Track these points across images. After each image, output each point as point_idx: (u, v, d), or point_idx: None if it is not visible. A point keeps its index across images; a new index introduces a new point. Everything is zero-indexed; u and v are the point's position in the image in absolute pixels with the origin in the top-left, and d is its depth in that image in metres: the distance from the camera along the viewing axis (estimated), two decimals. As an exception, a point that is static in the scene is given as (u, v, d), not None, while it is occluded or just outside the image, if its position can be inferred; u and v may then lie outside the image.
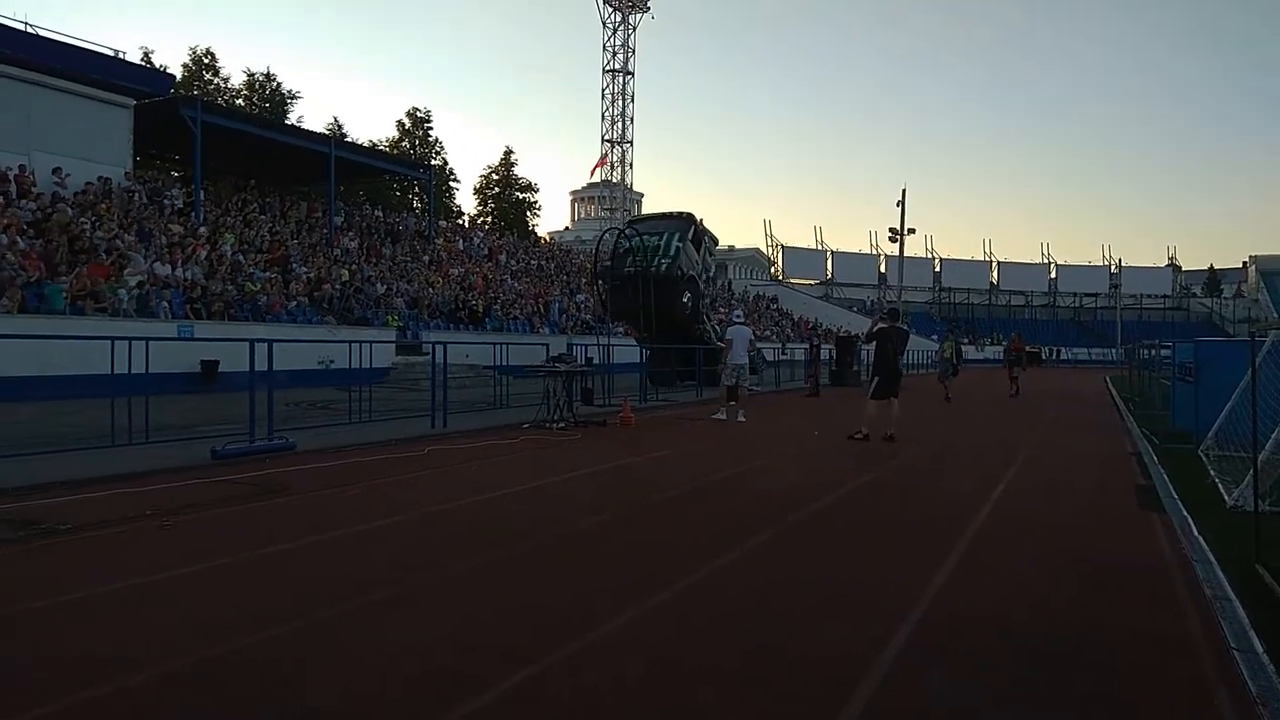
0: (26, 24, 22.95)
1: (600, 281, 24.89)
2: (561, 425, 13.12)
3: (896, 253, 45.96)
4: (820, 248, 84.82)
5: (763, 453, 11.49)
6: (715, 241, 27.63)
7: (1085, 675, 3.68)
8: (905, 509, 7.63)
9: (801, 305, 66.86)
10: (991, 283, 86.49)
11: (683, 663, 3.72)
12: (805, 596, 4.76)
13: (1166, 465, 9.93)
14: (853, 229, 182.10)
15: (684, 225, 23.93)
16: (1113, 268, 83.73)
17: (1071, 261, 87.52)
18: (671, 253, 22.36)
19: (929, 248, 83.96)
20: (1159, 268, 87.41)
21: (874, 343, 13.32)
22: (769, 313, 58.32)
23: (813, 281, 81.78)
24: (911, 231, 44.77)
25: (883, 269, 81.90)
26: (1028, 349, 34.72)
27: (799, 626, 4.25)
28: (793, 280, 79.63)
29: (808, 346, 27.24)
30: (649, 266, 21.89)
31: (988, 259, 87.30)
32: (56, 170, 20.99)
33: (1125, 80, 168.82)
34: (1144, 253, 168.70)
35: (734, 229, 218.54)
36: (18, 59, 20.98)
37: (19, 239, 17.14)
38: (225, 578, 4.98)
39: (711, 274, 26.56)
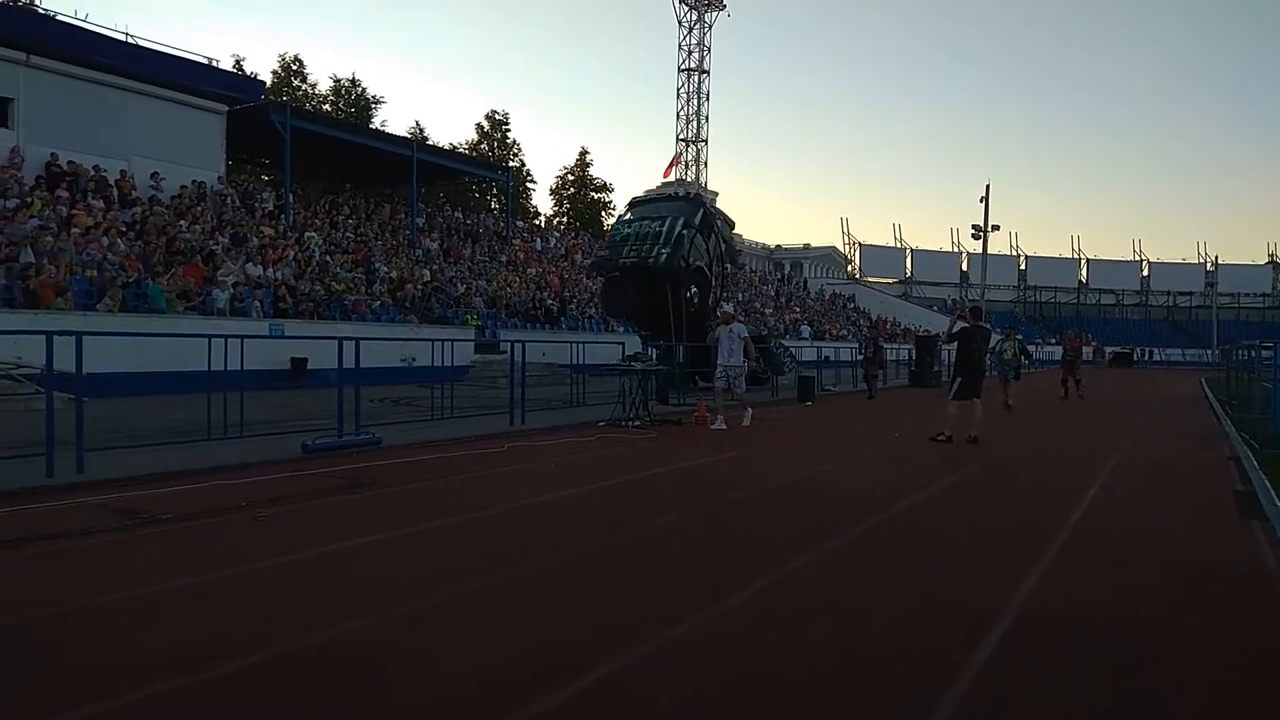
0: (127, 34, 24.08)
1: (597, 275, 23.05)
2: (637, 424, 13.22)
3: (979, 250, 44.88)
4: (899, 245, 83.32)
5: (840, 454, 11.40)
6: (731, 225, 24.69)
7: (1176, 686, 3.58)
8: (991, 511, 7.48)
9: (880, 304, 65.81)
10: (1080, 281, 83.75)
11: (763, 665, 3.72)
12: (887, 598, 4.72)
13: (1267, 470, 9.51)
14: (933, 226, 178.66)
15: (689, 209, 20.85)
16: (1208, 265, 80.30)
17: (1165, 259, 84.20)
18: (673, 240, 19.21)
19: (1014, 245, 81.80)
20: (1258, 265, 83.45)
21: (955, 342, 13.07)
22: (845, 311, 57.57)
23: (891, 280, 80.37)
24: (995, 228, 43.61)
25: (964, 267, 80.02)
26: (1121, 350, 33.13)
27: (881, 629, 4.21)
28: (870, 279, 78.41)
29: (865, 345, 25.21)
30: (646, 257, 19.11)
31: (1076, 256, 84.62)
32: (154, 175, 21.95)
33: (1223, 68, 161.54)
34: (1242, 249, 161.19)
35: (810, 227, 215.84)
36: (119, 68, 22.01)
37: (119, 241, 18.01)
38: (316, 569, 5.17)
39: (726, 263, 22.99)
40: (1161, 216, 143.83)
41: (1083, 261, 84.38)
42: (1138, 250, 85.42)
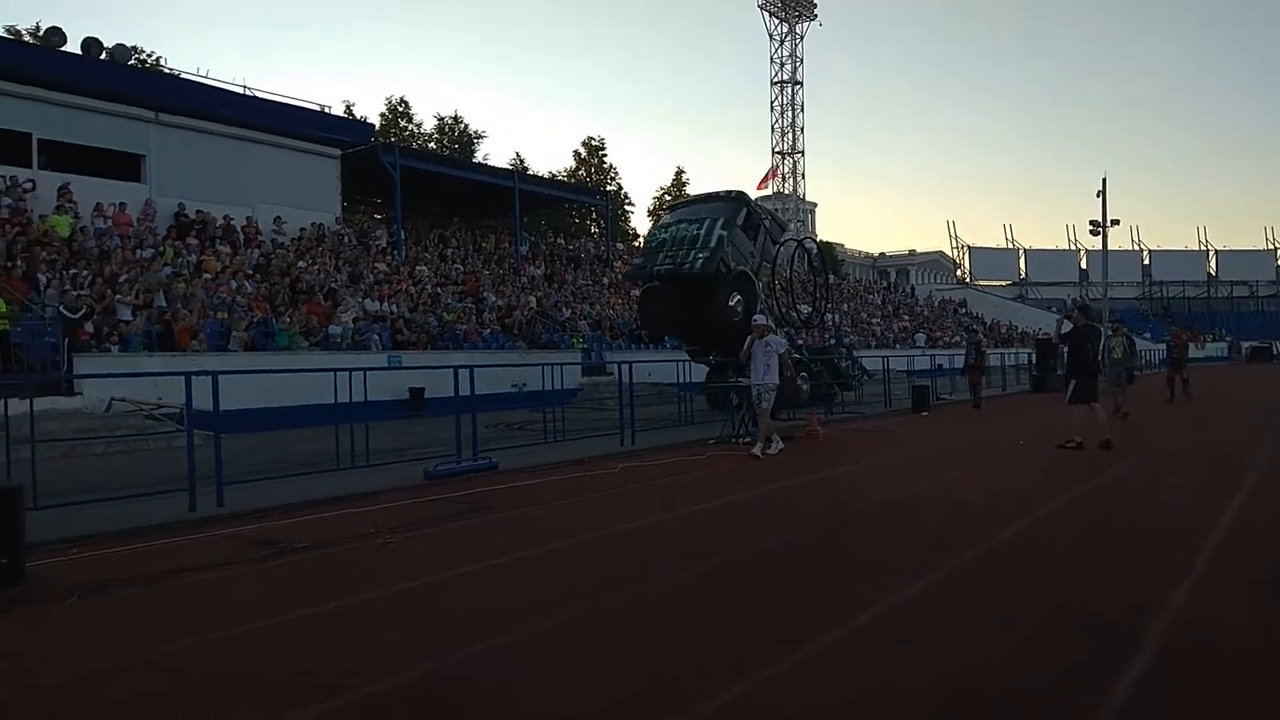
0: (245, 87, 25.45)
1: (633, 285, 21.69)
2: (747, 440, 13.08)
3: (1098, 246, 42.92)
4: (1011, 246, 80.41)
5: (963, 464, 11.02)
6: (782, 227, 22.09)
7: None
8: (1130, 521, 7.09)
9: (993, 308, 63.60)
10: (1209, 273, 78.99)
11: (893, 688, 3.61)
12: (1020, 619, 4.50)
13: None
14: (1047, 224, 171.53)
15: (731, 208, 18.69)
16: (1353, 248, 74.64)
17: (1303, 245, 78.67)
18: (712, 244, 17.31)
19: (1135, 239, 77.88)
20: None
21: (1067, 344, 12.51)
22: (956, 317, 55.87)
23: (1004, 282, 77.58)
24: (1115, 223, 41.59)
25: (1083, 265, 76.61)
26: (1259, 345, 30.74)
27: (1014, 653, 4.03)
28: (981, 282, 75.91)
29: (966, 351, 22.77)
30: (682, 264, 17.33)
31: (1203, 247, 79.91)
32: (276, 219, 23.10)
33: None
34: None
35: (915, 232, 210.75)
36: (240, 120, 23.30)
37: (246, 283, 19.00)
38: (441, 593, 5.29)
39: (778, 264, 20.87)
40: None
41: (1211, 252, 79.65)
42: (1271, 238, 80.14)
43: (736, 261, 17.70)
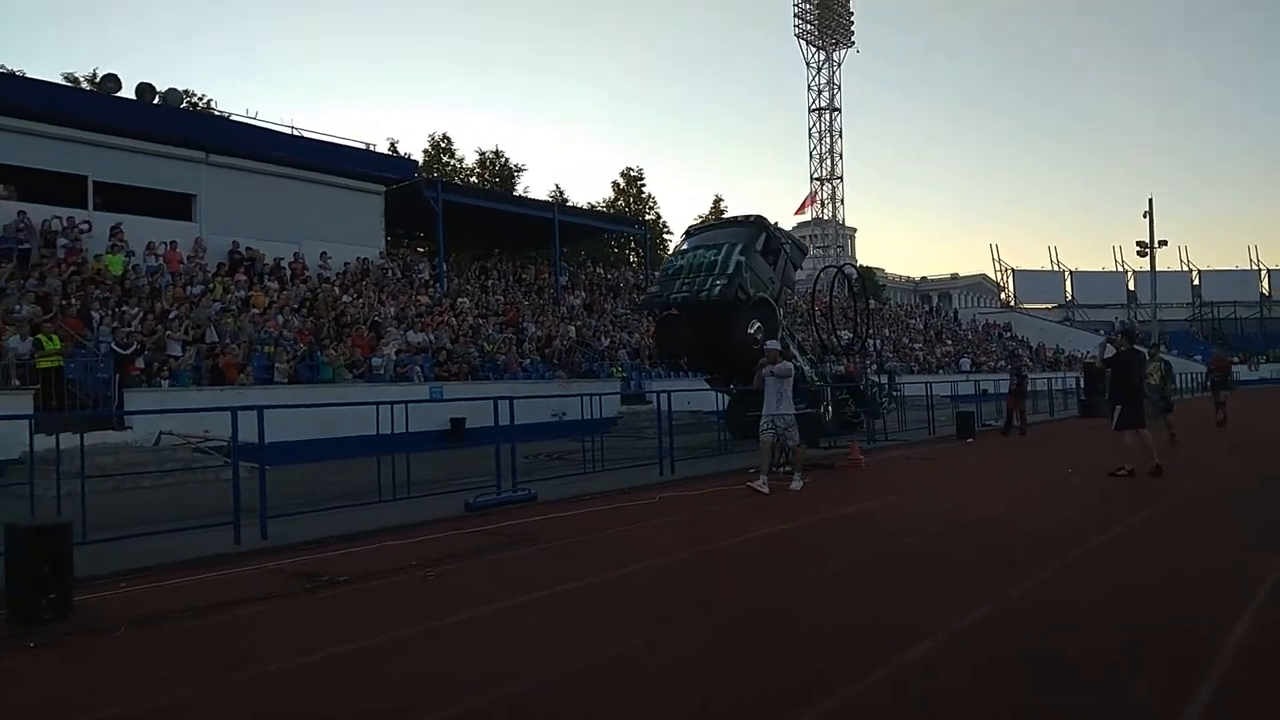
0: (292, 128, 26.08)
1: (647, 314, 21.15)
2: (788, 469, 12.95)
3: (1146, 268, 42.15)
4: (1056, 268, 79.20)
5: (1010, 493, 10.82)
6: (803, 251, 21.60)
7: None
8: (1185, 551, 6.89)
9: (1039, 331, 62.52)
10: (1262, 293, 77.00)
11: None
12: (1074, 655, 4.37)
13: None
14: (1093, 246, 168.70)
15: (749, 233, 18.24)
16: None
17: (1361, 262, 76.48)
18: (730, 270, 16.89)
19: (1184, 259, 76.28)
20: None
21: (1111, 369, 12.26)
22: (1001, 341, 55.01)
23: (1050, 305, 76.34)
24: (1163, 244, 41.01)
25: (1131, 286, 75.17)
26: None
27: (1069, 692, 3.91)
28: (1026, 305, 74.77)
29: (1009, 376, 21.49)
30: (699, 291, 16.94)
31: (1255, 267, 78.01)
32: (322, 255, 23.54)
33: None
34: None
35: (957, 256, 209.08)
36: (287, 159, 23.87)
37: (293, 318, 19.35)
38: (483, 627, 5.29)
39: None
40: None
41: (1263, 272, 77.71)
42: (1328, 255, 78.00)
43: (756, 288, 17.33)
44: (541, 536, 8.17)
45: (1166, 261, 58.96)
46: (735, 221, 19.54)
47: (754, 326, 16.83)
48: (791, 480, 11.34)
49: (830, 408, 17.39)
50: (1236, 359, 57.91)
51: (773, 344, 12.17)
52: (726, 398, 17.31)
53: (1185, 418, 20.37)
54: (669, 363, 20.60)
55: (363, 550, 7.67)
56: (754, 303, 17.12)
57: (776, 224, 19.22)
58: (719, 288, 16.62)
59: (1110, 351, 12.28)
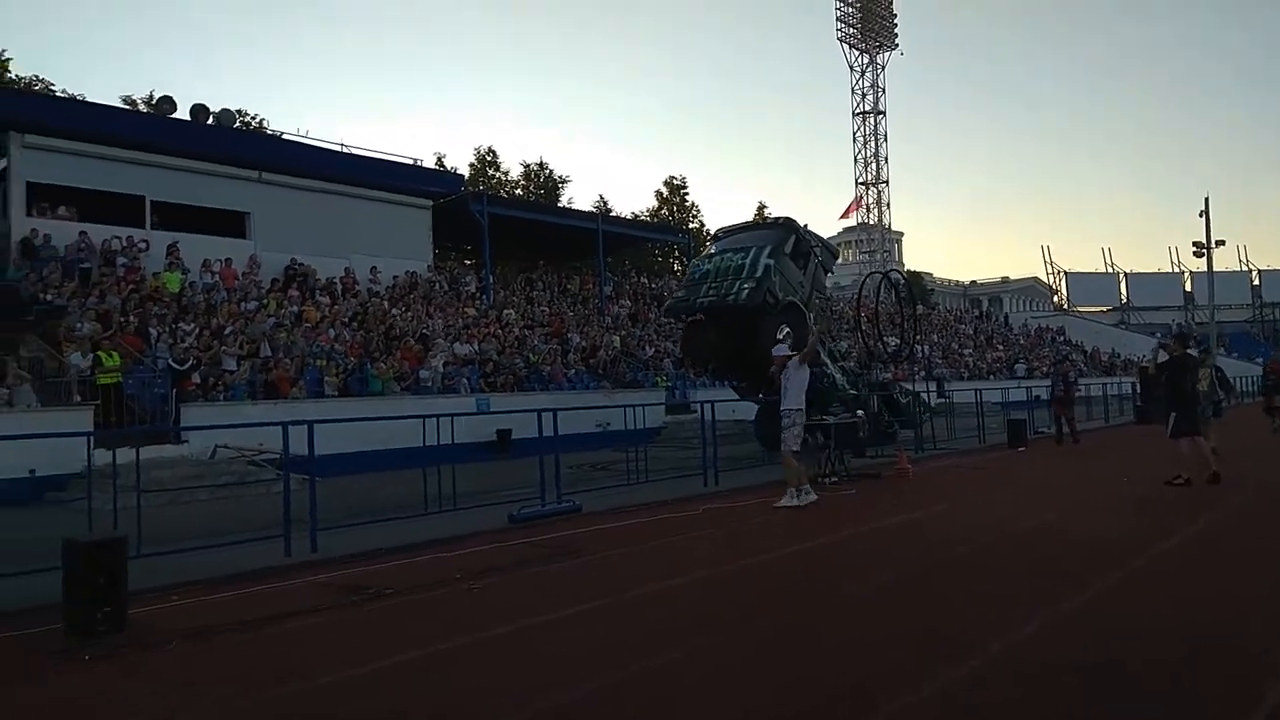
0: (342, 145, 26.57)
1: (673, 319, 20.40)
2: (834, 480, 12.85)
3: (1204, 268, 41.09)
4: (1111, 270, 77.64)
5: (1063, 502, 10.60)
6: (834, 254, 21.05)
7: None
8: (1243, 564, 6.69)
9: (1093, 335, 61.22)
10: (1326, 292, 74.66)
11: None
12: (1133, 671, 4.27)
13: None
14: (1148, 246, 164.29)
15: (778, 236, 17.76)
16: None
17: None
18: (758, 273, 16.44)
19: (1243, 259, 74.28)
20: None
21: (1163, 375, 11.93)
22: (1055, 345, 53.92)
23: (1104, 309, 74.78)
24: (1220, 243, 39.99)
25: (1188, 287, 73.35)
26: None
27: (1126, 709, 3.82)
28: (1080, 308, 73.31)
29: (1053, 382, 21.15)
30: (726, 295, 16.50)
31: (1319, 265, 75.61)
32: (372, 269, 23.95)
33: None
34: None
35: (1007, 259, 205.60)
36: (338, 176, 24.34)
37: (344, 331, 19.70)
38: (531, 638, 5.33)
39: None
40: None
41: (1328, 269, 75.34)
42: (1397, 252, 75.31)
43: (785, 292, 16.84)
44: (585, 549, 8.20)
45: (1225, 261, 57.54)
46: (764, 224, 19.17)
47: (783, 332, 16.23)
48: (794, 495, 10.52)
49: (865, 417, 16.77)
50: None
51: (780, 348, 11.72)
52: (756, 407, 17.10)
53: (1238, 425, 19.81)
54: (699, 369, 20.20)
55: (409, 563, 7.77)
56: (783, 307, 16.60)
57: (806, 226, 18.70)
58: (747, 291, 16.20)
59: (1163, 356, 11.99)
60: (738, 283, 16.42)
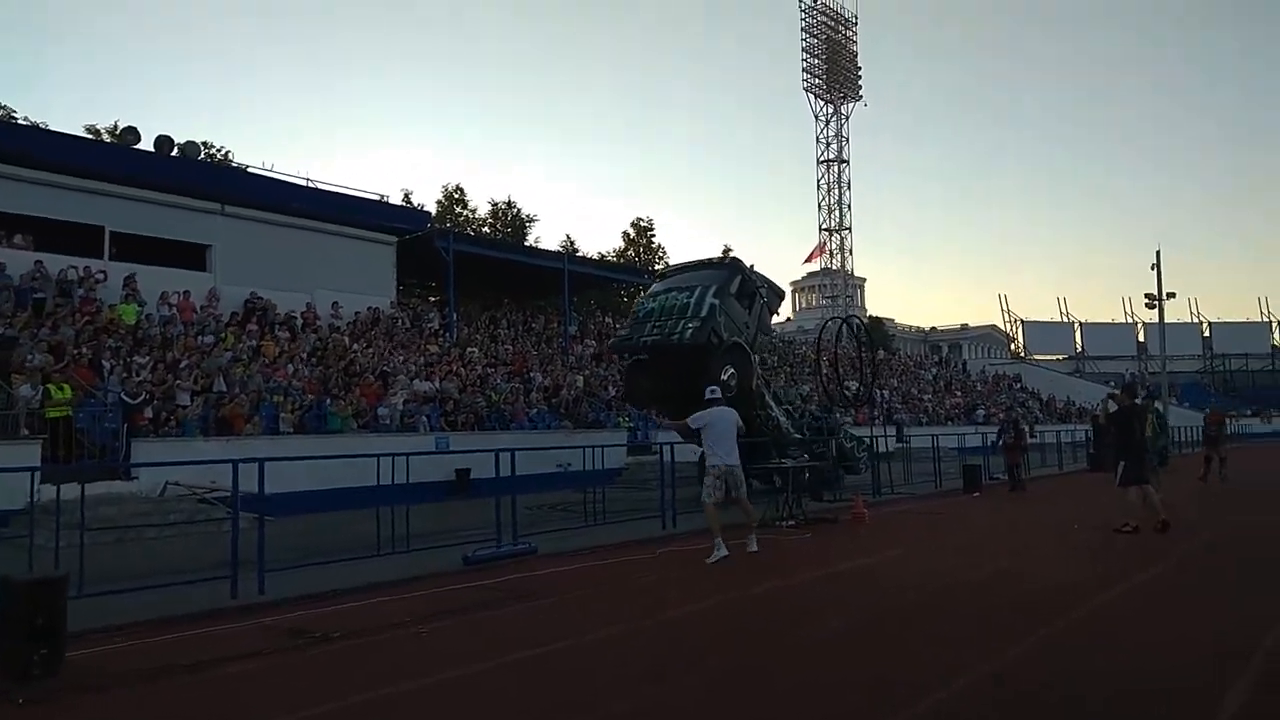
0: (308, 179, 26.55)
1: (616, 357, 20.24)
2: (791, 523, 12.90)
3: (1156, 319, 42.12)
4: (1066, 319, 79.37)
5: (1014, 549, 10.72)
6: (779, 295, 20.81)
7: None
8: (1190, 613, 6.82)
9: (1049, 383, 62.29)
10: (1273, 345, 76.84)
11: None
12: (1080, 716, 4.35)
13: None
14: (1103, 297, 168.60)
15: (723, 276, 17.54)
16: None
17: (1374, 315, 76.38)
18: (703, 313, 16.16)
19: (1194, 311, 76.35)
20: None
21: (1114, 425, 12.22)
22: (1012, 392, 54.79)
23: (1060, 356, 76.30)
24: (1172, 295, 40.90)
25: (1141, 338, 75.14)
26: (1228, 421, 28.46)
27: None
28: (1037, 356, 74.71)
29: (1003, 429, 21.27)
30: (670, 334, 16.18)
31: (1266, 319, 77.97)
32: (334, 304, 23.78)
33: None
34: None
35: (966, 306, 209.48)
36: (302, 210, 24.22)
37: (303, 367, 19.50)
38: (470, 687, 5.27)
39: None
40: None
41: (1274, 324, 77.69)
42: (1340, 308, 77.94)
43: (730, 332, 16.60)
44: (539, 592, 8.16)
45: (1176, 313, 59.00)
46: (709, 264, 18.89)
47: (727, 373, 16.00)
48: (749, 542, 10.28)
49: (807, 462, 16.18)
50: (1249, 412, 57.62)
51: (713, 389, 11.20)
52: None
53: (1184, 473, 20.23)
54: (642, 409, 19.97)
55: (358, 606, 7.66)
56: (727, 347, 16.40)
57: (752, 266, 18.60)
58: (691, 331, 15.90)
59: (1113, 406, 12.28)
60: (682, 322, 16.17)
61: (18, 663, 5.41)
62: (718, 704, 4.76)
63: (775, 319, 24.82)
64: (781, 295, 21.21)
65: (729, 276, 17.47)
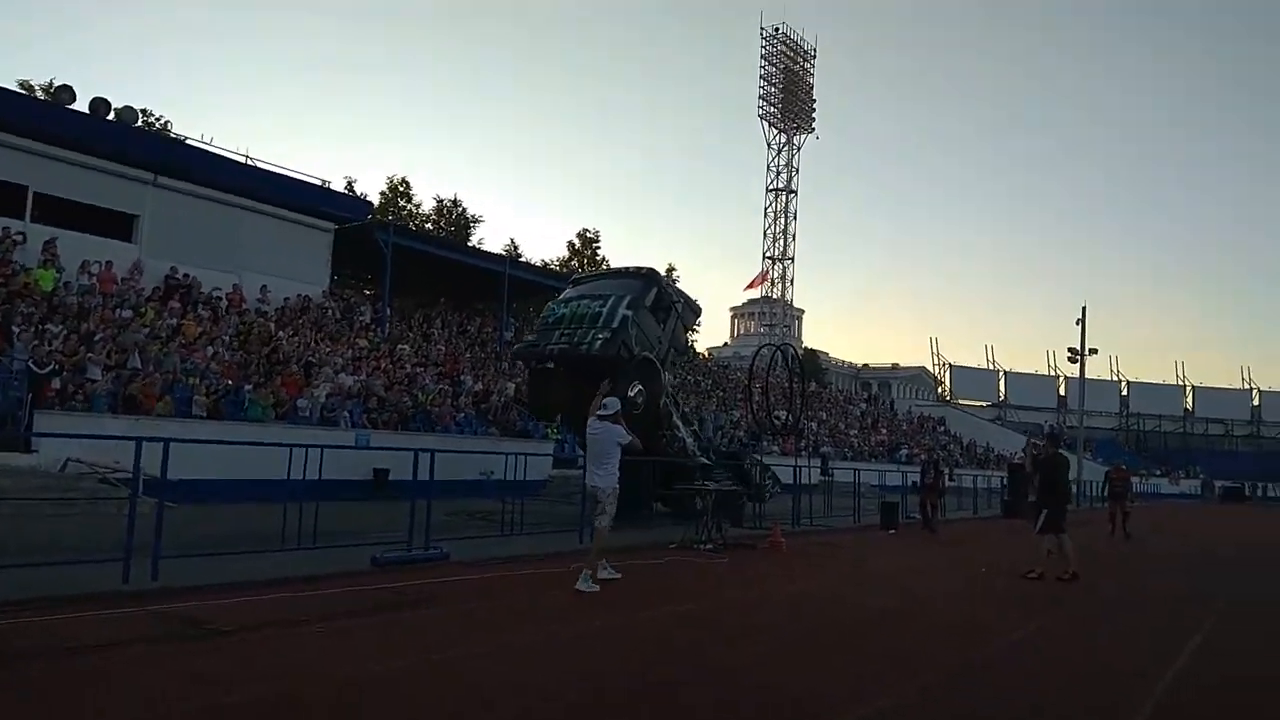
0: (247, 157, 25.86)
1: (521, 364, 19.35)
2: (709, 547, 12.92)
3: (1077, 374, 43.54)
4: (992, 367, 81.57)
5: (913, 588, 10.86)
6: (696, 312, 19.91)
7: None
8: (1081, 662, 6.97)
9: (971, 428, 63.93)
10: (1186, 409, 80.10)
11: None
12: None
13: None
14: (1028, 348, 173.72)
15: (640, 286, 16.71)
16: (1329, 394, 75.96)
17: (1278, 387, 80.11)
18: (615, 324, 15.42)
19: (1114, 370, 79.10)
20: (1388, 395, 78.50)
21: (1040, 472, 12.51)
22: (935, 435, 56.03)
23: (983, 404, 78.31)
24: (1093, 352, 42.40)
25: (1062, 391, 77.54)
26: (1231, 485, 30.18)
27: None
28: (962, 401, 76.59)
29: (924, 470, 21.28)
30: (579, 344, 15.40)
31: (1181, 383, 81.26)
32: (263, 288, 23.15)
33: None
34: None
35: (898, 346, 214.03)
36: (239, 188, 23.55)
37: (223, 351, 18.91)
38: (365, 689, 5.11)
39: (687, 356, 19.52)
40: (1274, 343, 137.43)
41: (1188, 388, 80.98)
42: (1247, 378, 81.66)
43: (642, 346, 15.95)
44: (440, 599, 8.00)
45: (1097, 370, 60.98)
46: (626, 272, 18.16)
47: (635, 389, 15.36)
48: (588, 577, 8.83)
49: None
50: (1158, 472, 59.87)
51: (613, 400, 9.85)
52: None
53: (1093, 526, 20.87)
54: (543, 420, 19.10)
55: (256, 600, 7.41)
56: (637, 362, 15.74)
57: (669, 280, 17.90)
58: (600, 342, 15.18)
59: (1035, 452, 12.51)
60: (592, 331, 15.49)
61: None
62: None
63: (711, 342, 24.72)
64: (698, 312, 20.70)
65: (645, 288, 16.77)
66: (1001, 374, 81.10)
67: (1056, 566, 11.41)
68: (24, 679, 4.93)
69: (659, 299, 16.93)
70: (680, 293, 18.89)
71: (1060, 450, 12.72)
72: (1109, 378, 77.12)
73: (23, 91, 30.80)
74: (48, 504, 12.25)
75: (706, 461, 16.95)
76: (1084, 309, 41.85)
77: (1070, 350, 42.59)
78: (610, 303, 15.93)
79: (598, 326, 15.50)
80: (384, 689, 5.15)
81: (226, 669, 5.39)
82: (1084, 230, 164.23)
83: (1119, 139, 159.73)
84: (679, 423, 17.77)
